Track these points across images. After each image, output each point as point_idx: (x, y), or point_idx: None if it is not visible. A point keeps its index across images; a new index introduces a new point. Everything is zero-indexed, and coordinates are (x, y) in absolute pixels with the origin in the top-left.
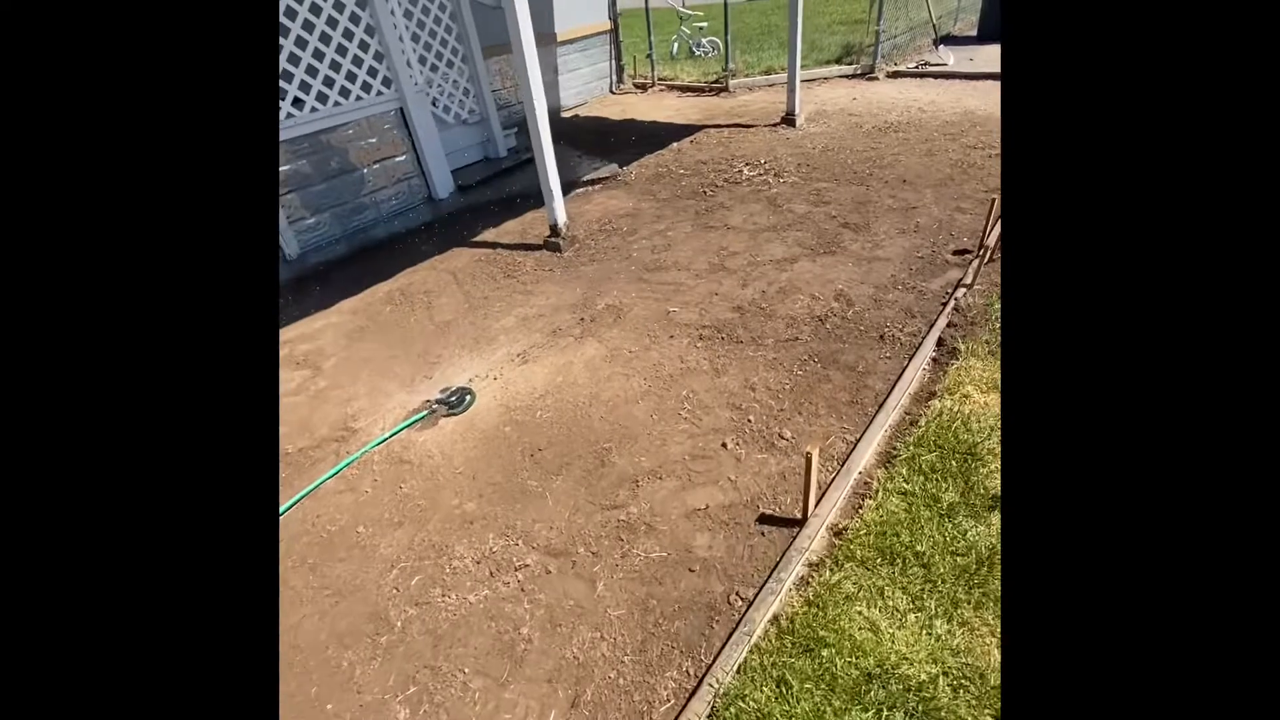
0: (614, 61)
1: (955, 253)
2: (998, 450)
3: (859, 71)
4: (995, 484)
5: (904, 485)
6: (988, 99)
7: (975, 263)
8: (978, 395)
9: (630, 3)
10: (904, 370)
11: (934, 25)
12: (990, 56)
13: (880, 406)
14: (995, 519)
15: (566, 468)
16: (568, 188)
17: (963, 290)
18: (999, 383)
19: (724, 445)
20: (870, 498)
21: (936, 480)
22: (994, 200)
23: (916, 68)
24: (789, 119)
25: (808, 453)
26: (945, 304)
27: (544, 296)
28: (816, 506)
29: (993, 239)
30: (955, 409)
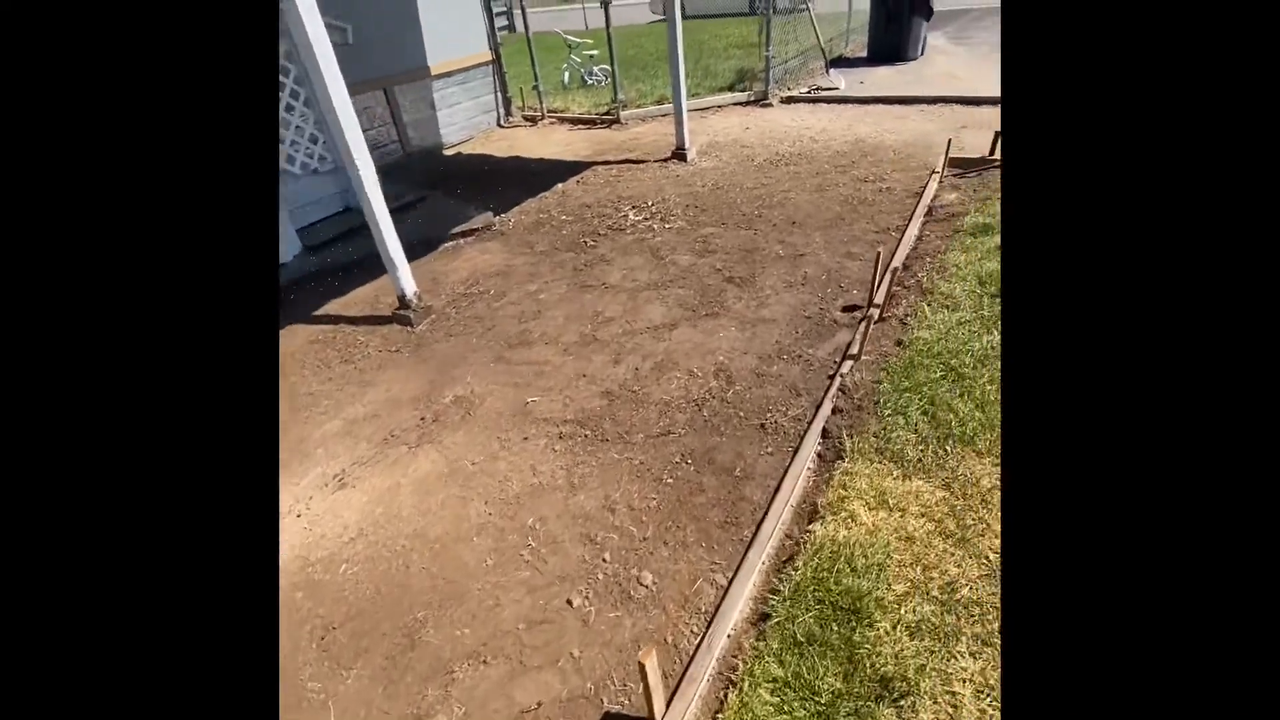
0: (499, 94)
1: (845, 309)
2: (887, 601)
3: (753, 98)
4: (885, 658)
5: (775, 669)
6: (879, 125)
7: (863, 326)
8: (865, 515)
9: (538, 26)
10: (785, 474)
11: (823, 50)
12: (880, 79)
13: (756, 532)
14: (886, 713)
15: (364, 654)
16: (435, 242)
17: (849, 364)
18: (888, 495)
19: (570, 602)
20: (734, 687)
21: (814, 658)
22: (879, 253)
23: (809, 92)
24: (679, 153)
25: (640, 662)
26: (832, 380)
27: (383, 388)
28: (667, 710)
29: (881, 296)
30: (838, 537)
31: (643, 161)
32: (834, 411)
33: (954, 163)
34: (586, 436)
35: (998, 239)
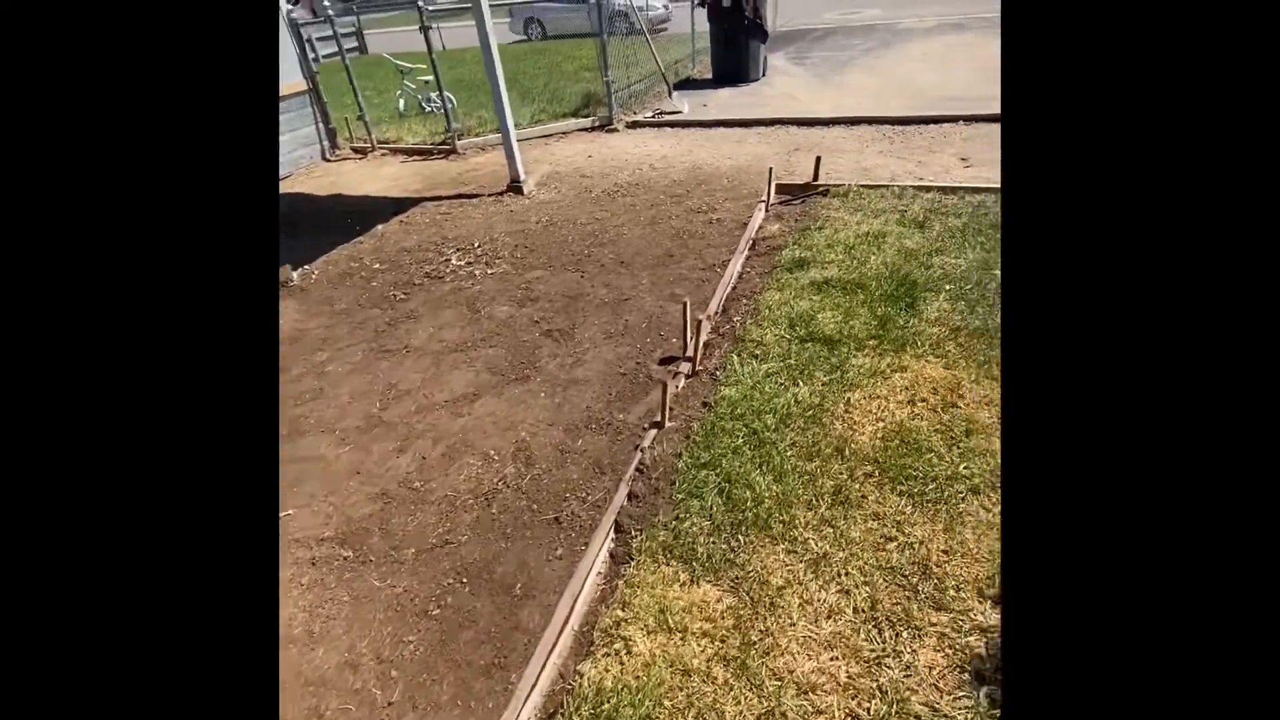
0: (321, 125)
1: (663, 361)
2: None
3: (597, 124)
4: None
5: None
6: (717, 150)
7: (671, 385)
8: (641, 642)
9: (392, 46)
10: (564, 590)
11: (663, 74)
12: (723, 101)
13: (521, 680)
14: None
15: None
16: None
17: (654, 433)
18: (670, 611)
19: None
20: None
21: None
22: (685, 304)
23: (654, 117)
24: (515, 186)
25: None
26: (635, 452)
27: None
28: None
29: (694, 347)
30: (606, 682)
31: (476, 196)
32: (630, 498)
33: (781, 189)
34: (345, 559)
35: (813, 273)
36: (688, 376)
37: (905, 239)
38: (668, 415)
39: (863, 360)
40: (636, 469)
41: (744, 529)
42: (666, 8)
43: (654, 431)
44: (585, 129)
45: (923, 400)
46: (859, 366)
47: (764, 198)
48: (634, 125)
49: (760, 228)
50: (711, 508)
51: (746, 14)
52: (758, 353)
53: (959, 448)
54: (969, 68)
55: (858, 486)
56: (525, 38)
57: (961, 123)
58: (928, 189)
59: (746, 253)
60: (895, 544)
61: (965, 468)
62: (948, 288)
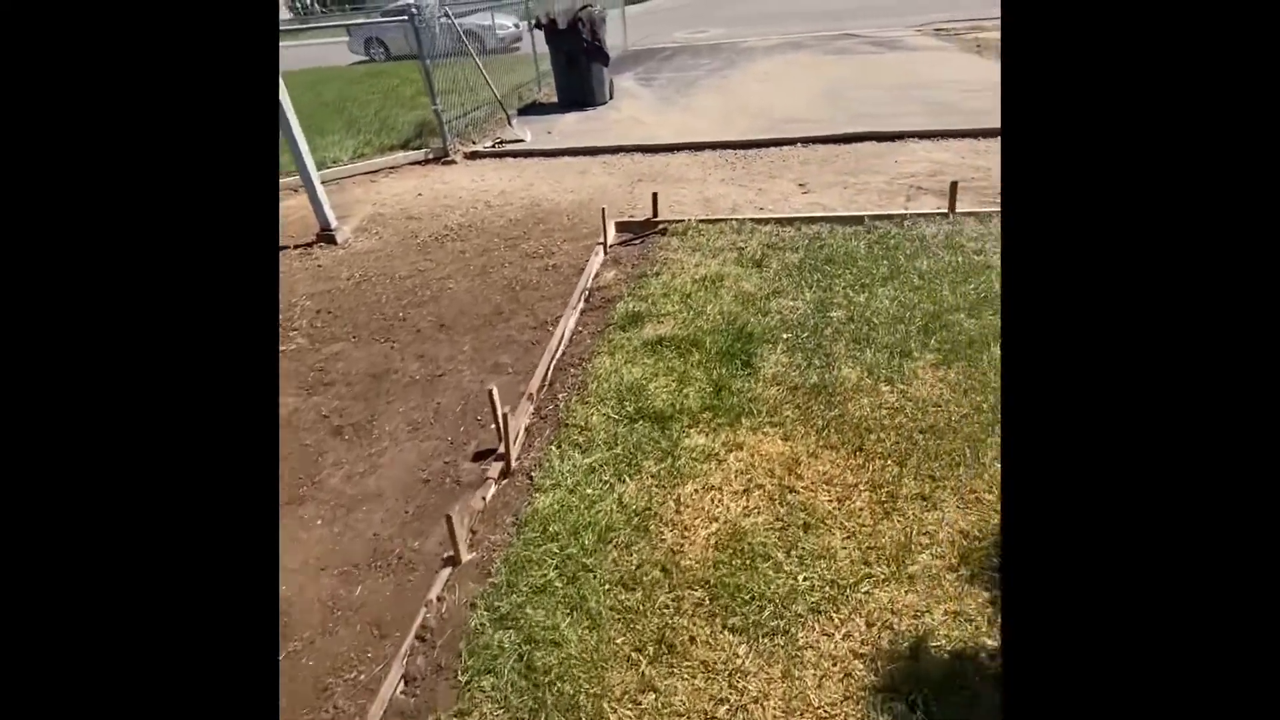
0: None
1: (476, 457)
2: None
3: (431, 156)
4: None
5: None
6: (559, 182)
7: (487, 487)
8: None
9: None
10: None
11: (499, 100)
12: (568, 127)
13: None
14: None
15: None
16: None
17: (447, 573)
18: None
19: None
20: None
21: None
22: (491, 391)
23: (494, 146)
24: (327, 235)
25: None
26: (422, 613)
27: None
28: None
29: (516, 444)
30: None
31: (283, 248)
32: (404, 682)
33: (622, 228)
34: None
35: (647, 330)
36: (501, 478)
37: (743, 281)
38: (464, 546)
39: (696, 440)
40: (417, 636)
41: (544, 715)
42: (518, 26)
43: (448, 571)
44: (418, 162)
45: (759, 486)
46: (692, 449)
47: (602, 239)
48: (473, 156)
49: (597, 275)
50: (507, 687)
51: (584, 37)
52: (581, 440)
53: (797, 551)
54: (806, 87)
55: (685, 624)
56: (367, 58)
57: (800, 145)
58: (766, 221)
59: (581, 305)
60: (727, 708)
61: (804, 578)
62: (785, 336)
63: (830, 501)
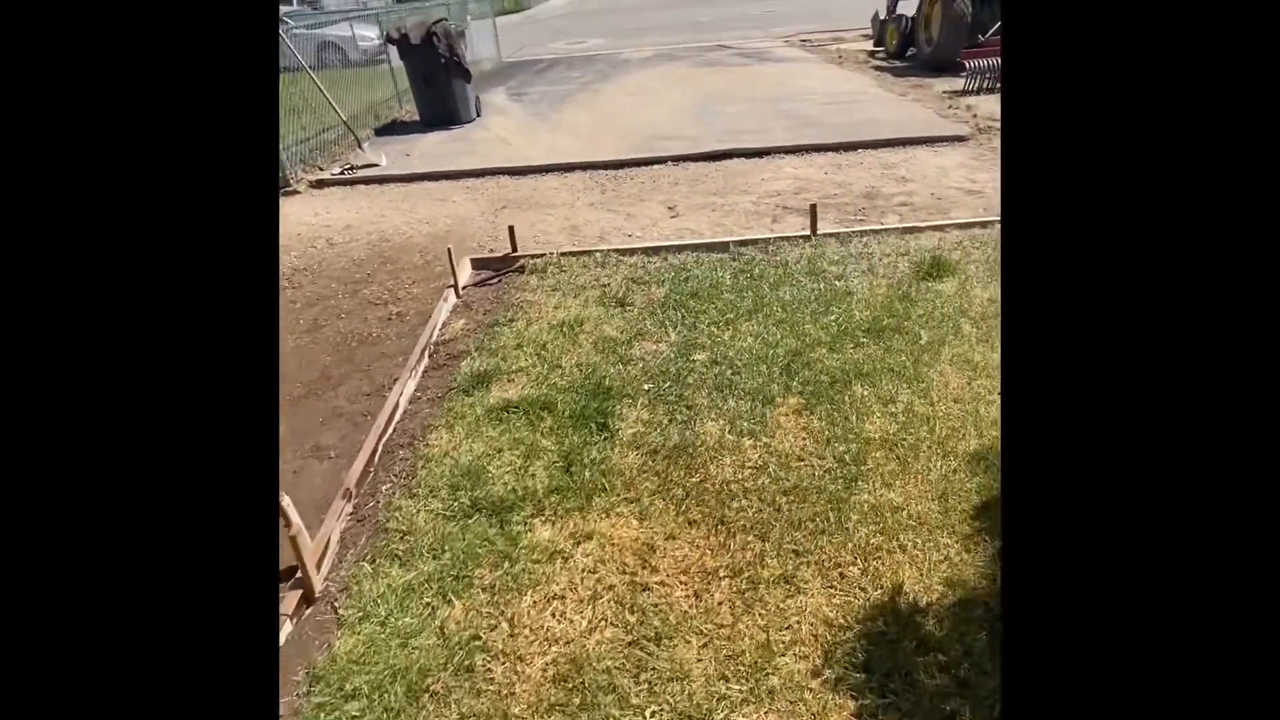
0: None
1: (282, 574)
2: None
3: None
4: None
5: None
6: (415, 212)
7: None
8: None
9: None
10: None
11: (346, 124)
12: (429, 149)
13: None
14: None
15: None
16: None
17: None
18: None
19: None
20: None
21: None
22: (283, 508)
23: (343, 173)
24: None
25: None
26: None
27: None
28: None
29: (311, 558)
30: None
31: None
32: None
33: (478, 264)
34: None
35: (495, 393)
36: (302, 607)
37: (605, 324)
38: None
39: (540, 534)
40: None
41: None
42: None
43: None
44: None
45: (609, 589)
46: (534, 548)
47: (453, 281)
48: (319, 185)
49: (444, 325)
50: None
51: (441, 52)
52: (402, 550)
53: (647, 674)
54: (678, 101)
55: None
56: None
57: (670, 163)
58: (632, 251)
59: (425, 363)
60: None
61: (653, 712)
62: (646, 388)
63: (687, 597)
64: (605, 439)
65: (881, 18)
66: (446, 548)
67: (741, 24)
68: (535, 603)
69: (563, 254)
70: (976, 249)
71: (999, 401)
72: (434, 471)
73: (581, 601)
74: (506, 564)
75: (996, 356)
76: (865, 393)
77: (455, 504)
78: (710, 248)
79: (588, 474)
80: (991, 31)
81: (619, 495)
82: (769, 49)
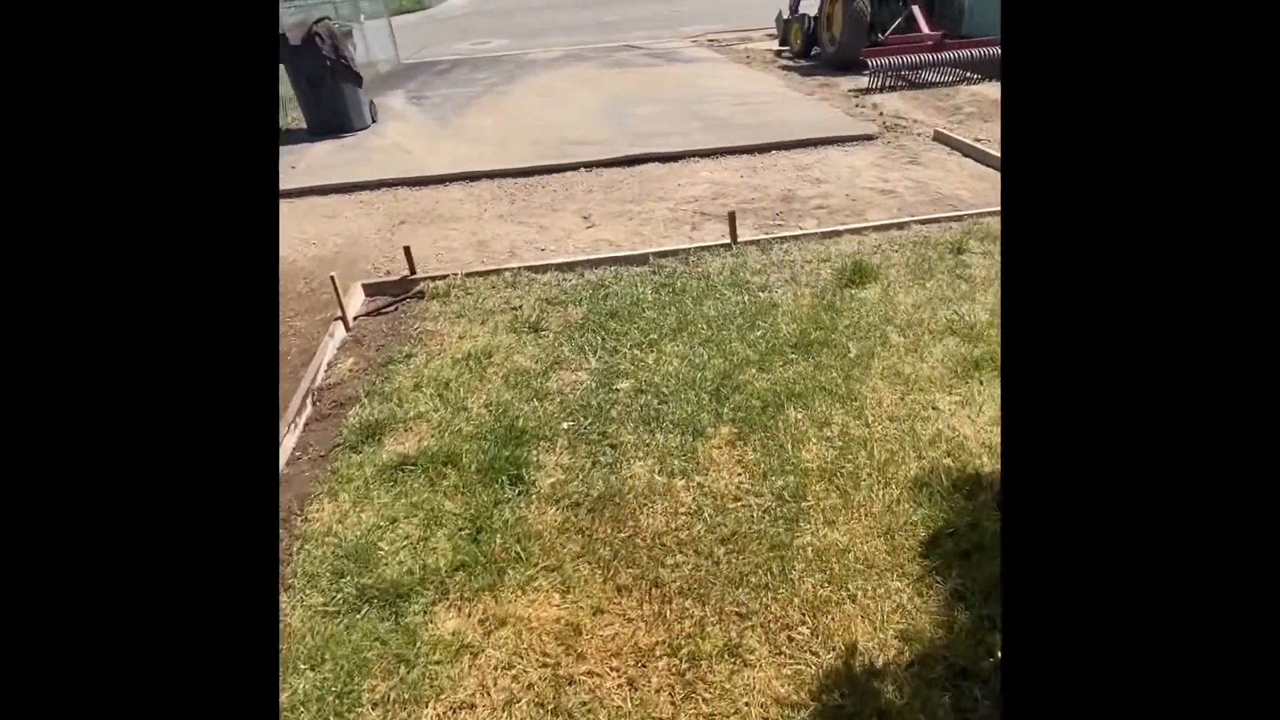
0: None
1: None
2: None
3: None
4: None
5: None
6: (301, 230)
7: None
8: None
9: None
10: None
11: None
12: (318, 160)
13: None
14: None
15: None
16: None
17: None
18: None
19: None
20: None
21: None
22: None
23: None
24: None
25: None
26: None
27: None
28: None
29: None
30: None
31: None
32: None
33: (371, 291)
34: None
35: (389, 447)
36: None
37: (517, 353)
38: None
39: (444, 625)
40: None
41: None
42: None
43: None
44: None
45: (528, 687)
46: (436, 644)
47: (340, 312)
48: None
49: (330, 366)
50: None
51: (325, 54)
52: None
53: None
54: (589, 103)
55: None
56: None
57: (583, 170)
58: (545, 268)
59: (308, 412)
60: None
61: None
62: (565, 426)
63: (620, 687)
64: (520, 494)
65: (785, 17)
66: (327, 655)
67: (649, 24)
68: (439, 717)
69: (468, 274)
70: (895, 252)
71: (934, 418)
72: (313, 555)
73: (495, 710)
74: (403, 669)
75: (926, 367)
76: (799, 416)
77: (339, 595)
78: (629, 260)
79: (500, 541)
80: (890, 30)
81: (537, 564)
82: (677, 49)
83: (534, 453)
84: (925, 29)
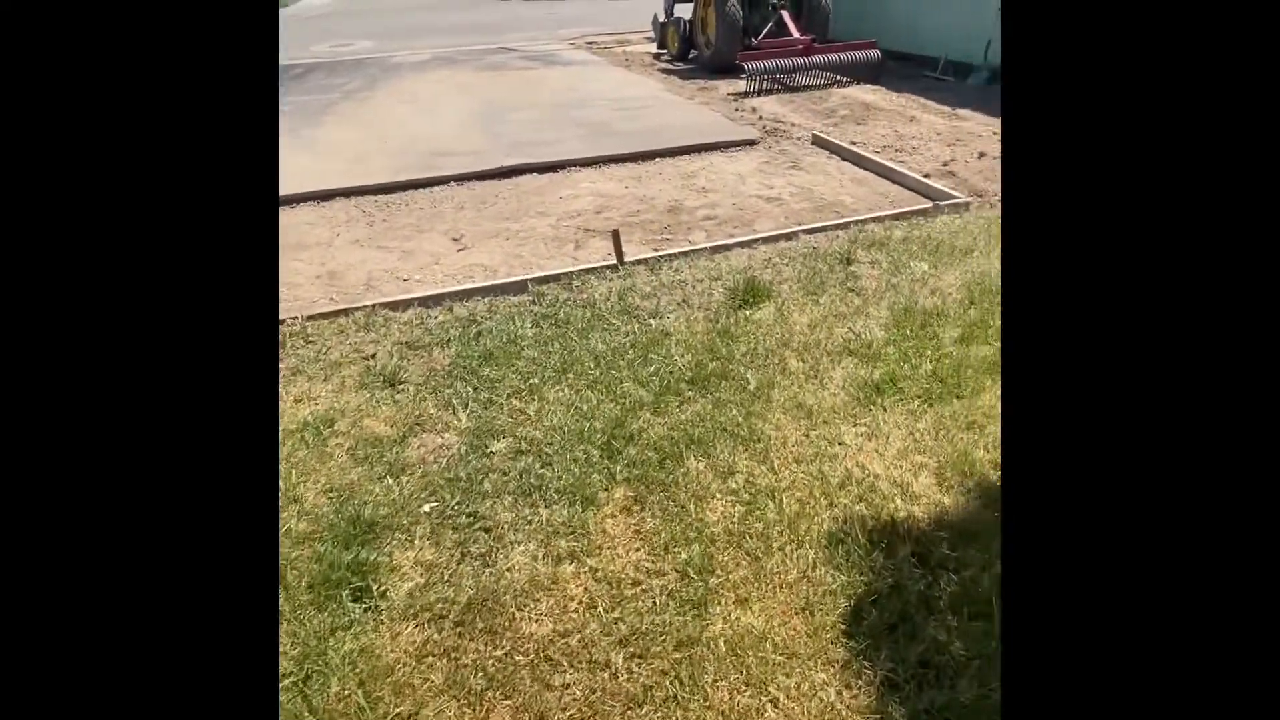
0: None
1: None
2: None
3: None
4: None
5: None
6: None
7: None
8: None
9: None
10: None
11: None
12: None
13: None
14: None
15: None
16: None
17: None
18: None
19: None
20: None
21: None
22: None
23: None
24: None
25: None
26: None
27: None
28: None
29: None
30: None
31: None
32: None
33: None
34: None
35: None
36: None
37: (368, 416)
38: None
39: None
40: None
41: None
42: None
43: None
44: None
45: None
46: None
47: None
48: None
49: None
50: None
51: None
52: None
53: None
54: (461, 110)
55: None
56: None
57: (454, 184)
58: (407, 303)
59: None
60: None
61: None
62: (428, 509)
63: None
64: (366, 611)
65: (661, 20)
66: None
67: (525, 25)
68: None
69: (310, 317)
70: (786, 265)
71: (841, 455)
72: None
73: None
74: None
75: (828, 395)
76: (700, 467)
77: None
78: (506, 289)
79: (336, 689)
80: (763, 35)
81: (386, 715)
82: (556, 51)
83: (386, 551)
84: (795, 34)
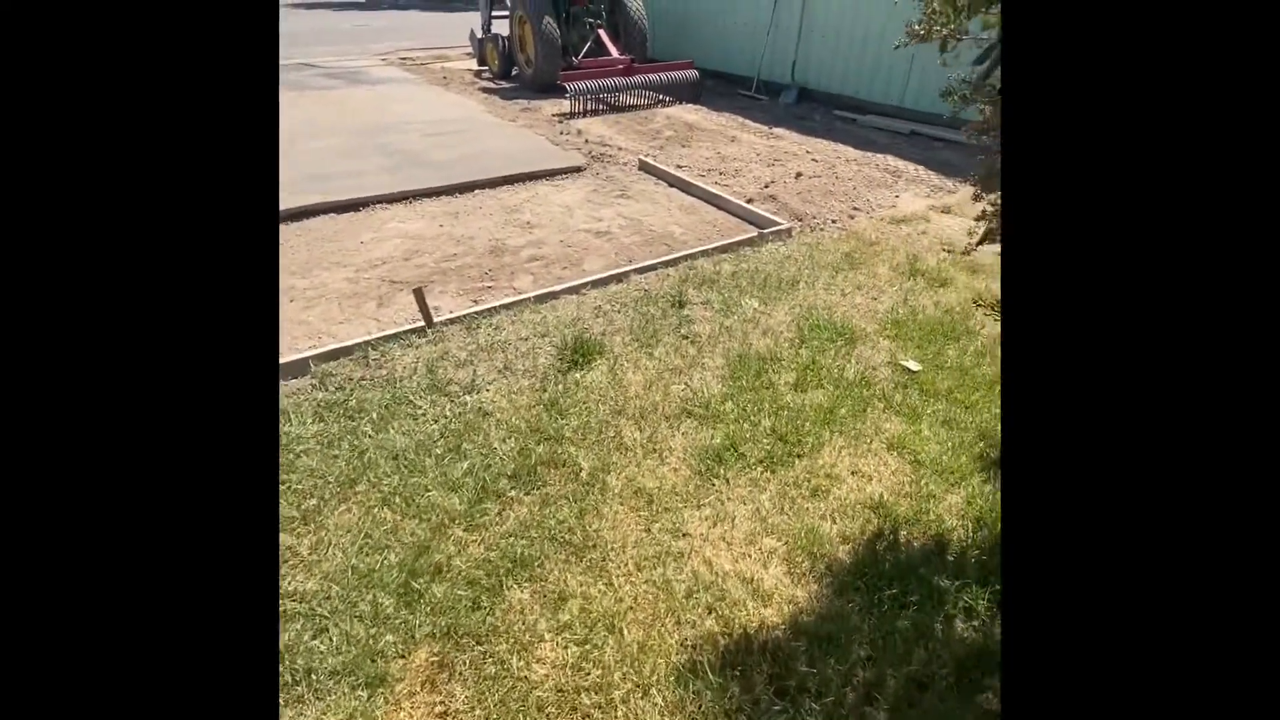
0: None
1: None
2: None
3: None
4: None
5: None
6: None
7: None
8: None
9: None
10: None
11: None
12: None
13: None
14: None
15: None
16: None
17: None
18: None
19: None
20: None
21: None
22: None
23: None
24: None
25: None
26: None
27: None
28: None
29: None
30: None
31: None
32: None
33: None
34: None
35: None
36: None
37: None
38: None
39: None
40: None
41: None
42: None
43: None
44: None
45: None
46: None
47: None
48: None
49: None
50: None
51: None
52: None
53: None
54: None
55: None
56: None
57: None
58: None
59: None
60: None
61: None
62: None
63: None
64: None
65: (479, 36)
66: None
67: (334, 38)
68: None
69: None
70: (618, 313)
71: (686, 553)
72: None
73: None
74: None
75: (668, 470)
76: (525, 598)
77: None
78: (284, 371)
79: None
80: (583, 54)
81: None
82: (364, 69)
83: None
84: (615, 53)
